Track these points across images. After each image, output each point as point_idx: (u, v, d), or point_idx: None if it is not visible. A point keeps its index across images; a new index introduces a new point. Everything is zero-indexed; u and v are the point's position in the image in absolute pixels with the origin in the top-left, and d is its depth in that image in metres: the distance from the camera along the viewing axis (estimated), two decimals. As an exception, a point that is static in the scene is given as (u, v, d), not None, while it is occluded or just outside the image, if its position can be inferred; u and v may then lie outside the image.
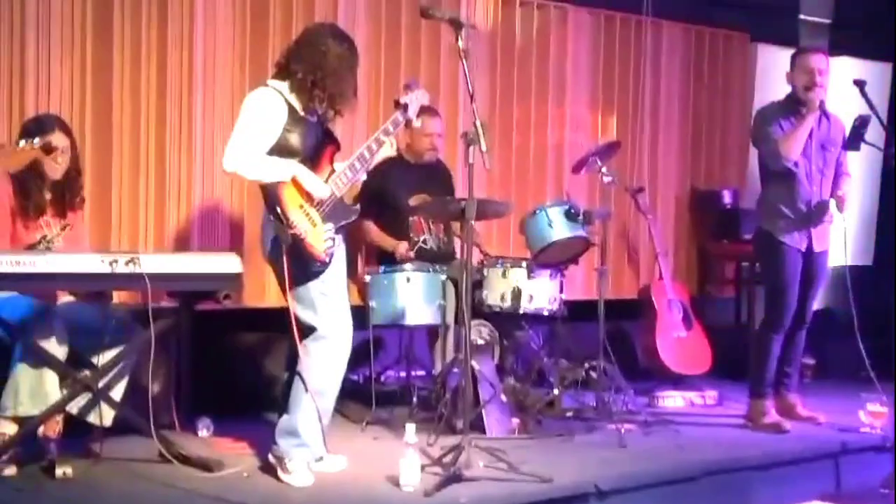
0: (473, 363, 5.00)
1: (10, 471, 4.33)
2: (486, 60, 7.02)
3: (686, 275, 7.88)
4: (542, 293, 5.62)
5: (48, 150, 4.15)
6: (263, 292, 6.01)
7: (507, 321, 5.92)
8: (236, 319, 5.89)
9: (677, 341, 6.61)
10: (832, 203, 5.60)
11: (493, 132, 6.73)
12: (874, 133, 5.60)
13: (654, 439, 5.39)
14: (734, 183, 8.09)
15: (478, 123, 4.43)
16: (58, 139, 4.60)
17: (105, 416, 4.58)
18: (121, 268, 4.20)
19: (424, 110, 4.93)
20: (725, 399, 6.44)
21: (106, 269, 4.18)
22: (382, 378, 6.23)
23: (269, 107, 4.37)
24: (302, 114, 4.42)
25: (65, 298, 4.73)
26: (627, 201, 7.27)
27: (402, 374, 6.12)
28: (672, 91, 7.90)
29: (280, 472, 4.41)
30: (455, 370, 5.22)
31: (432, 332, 5.83)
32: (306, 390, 4.40)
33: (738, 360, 6.21)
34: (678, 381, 6.59)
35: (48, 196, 4.68)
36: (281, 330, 4.70)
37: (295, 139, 4.39)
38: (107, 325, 4.61)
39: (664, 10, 7.71)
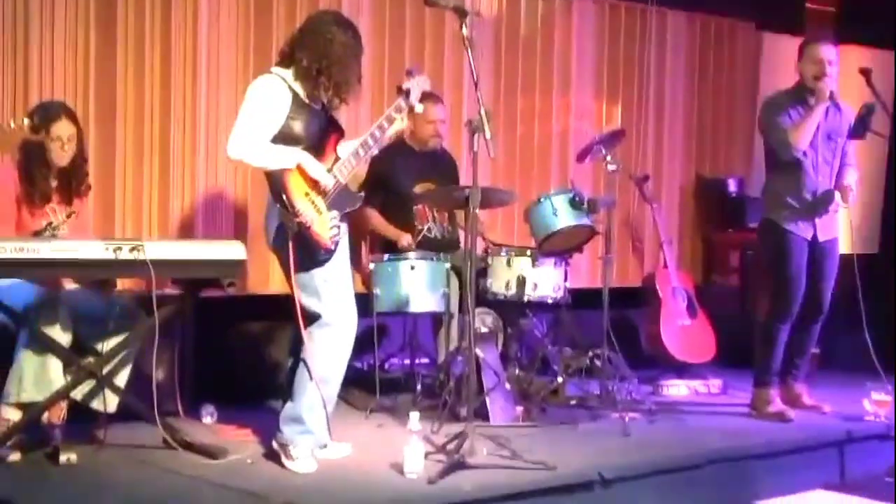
0: (477, 351, 5.01)
1: (15, 457, 4.35)
2: (491, 49, 7.02)
3: (691, 263, 7.89)
4: (546, 281, 5.62)
5: (35, 130, 4.14)
6: (267, 279, 6.02)
7: (512, 309, 5.92)
8: (240, 306, 5.90)
9: (681, 330, 6.61)
10: (837, 194, 5.58)
11: (497, 120, 6.72)
12: (879, 122, 5.59)
13: (659, 428, 5.39)
14: (739, 171, 8.08)
15: (482, 112, 4.42)
16: (64, 127, 4.60)
17: (109, 402, 4.59)
18: (125, 255, 4.21)
19: (427, 97, 4.93)
20: (730, 388, 6.45)
21: (110, 256, 4.19)
22: (386, 366, 6.23)
23: (274, 94, 4.36)
24: (306, 101, 4.42)
25: (69, 285, 4.73)
26: (632, 189, 7.27)
27: (406, 361, 6.12)
28: (677, 79, 7.89)
29: (284, 459, 4.42)
30: (459, 358, 5.22)
31: (436, 320, 5.83)
32: (310, 377, 4.40)
33: (743, 349, 6.19)
34: (682, 370, 6.59)
35: (54, 183, 4.68)
36: (285, 317, 4.70)
37: (299, 127, 4.38)
38: (111, 312, 4.63)
39: (669, -2, 7.71)
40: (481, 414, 5.09)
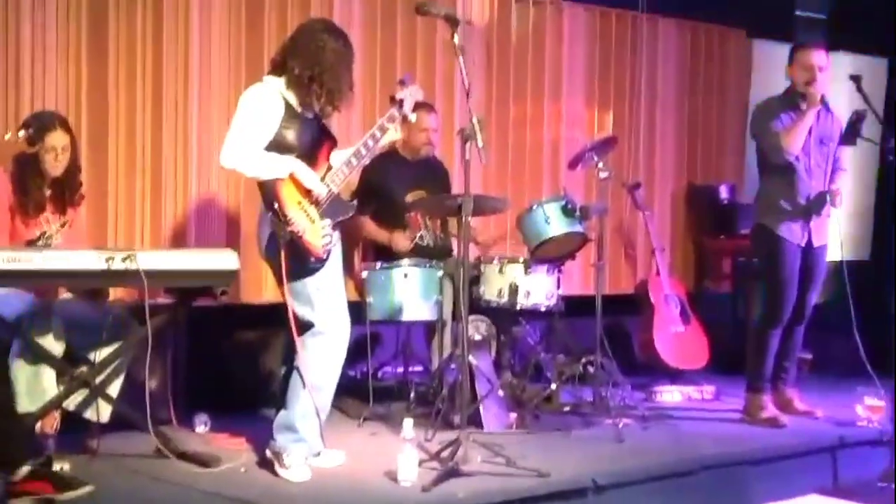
0: (471, 359, 5.01)
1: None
2: (482, 57, 7.02)
3: (683, 270, 7.89)
4: (539, 289, 5.62)
5: (32, 142, 4.14)
6: (260, 289, 6.02)
7: (505, 317, 5.92)
8: (233, 316, 5.90)
9: (674, 336, 6.62)
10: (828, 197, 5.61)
11: (489, 128, 6.74)
12: (870, 128, 5.61)
13: (652, 434, 5.40)
14: (731, 178, 8.09)
15: (474, 120, 4.43)
16: (58, 137, 4.61)
17: (102, 412, 4.59)
18: (117, 264, 4.21)
19: (420, 106, 4.93)
20: (723, 394, 6.45)
21: (102, 266, 4.19)
22: (380, 374, 6.23)
23: (266, 103, 4.37)
24: (299, 110, 4.42)
25: (62, 295, 4.73)
26: (624, 197, 7.28)
27: (400, 369, 6.13)
28: (668, 87, 7.90)
29: (277, 468, 4.41)
30: (452, 366, 5.23)
31: (429, 328, 5.84)
32: (304, 386, 4.41)
33: (736, 355, 6.21)
34: (675, 376, 6.60)
35: (48, 193, 4.68)
36: (278, 326, 4.70)
37: (292, 135, 4.39)
38: (104, 322, 4.62)
39: (660, 5, 7.71)
40: (475, 421, 5.10)
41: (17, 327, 4.44)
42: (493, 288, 5.62)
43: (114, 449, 4.62)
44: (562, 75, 7.40)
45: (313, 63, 4.37)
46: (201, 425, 5.22)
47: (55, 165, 4.63)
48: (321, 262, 4.40)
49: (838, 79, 5.85)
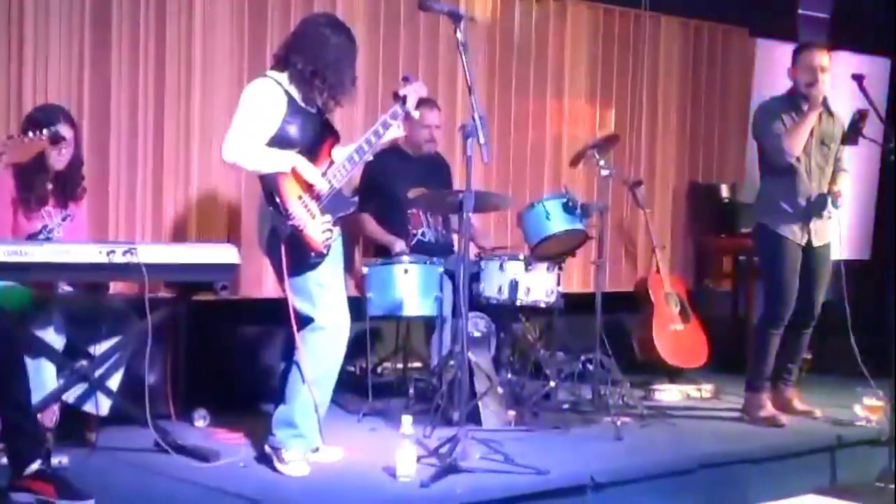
0: (470, 355, 5.01)
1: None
2: (485, 53, 7.02)
3: (683, 268, 7.89)
4: (538, 286, 5.62)
5: (56, 140, 4.13)
6: (261, 283, 6.02)
7: (504, 314, 5.91)
8: (233, 310, 5.89)
9: (674, 334, 6.62)
10: (830, 198, 5.61)
11: (491, 125, 6.73)
12: (872, 128, 5.61)
13: (651, 432, 5.40)
14: (732, 177, 8.09)
15: (476, 116, 4.42)
16: (63, 130, 4.60)
17: (102, 405, 4.59)
18: (118, 258, 4.21)
19: (422, 102, 4.92)
20: (722, 392, 6.45)
21: (103, 260, 4.19)
22: (379, 369, 6.24)
23: (269, 97, 4.37)
24: (301, 105, 4.42)
25: (63, 288, 4.73)
26: (625, 194, 7.29)
27: (399, 365, 6.14)
28: (670, 85, 7.89)
29: (276, 463, 4.42)
30: (452, 362, 5.23)
31: (429, 324, 5.84)
32: (303, 381, 4.41)
33: (735, 354, 6.22)
34: (675, 375, 6.61)
35: (50, 187, 4.67)
36: (278, 321, 4.70)
37: (294, 130, 4.39)
38: (104, 316, 4.63)
39: (663, 4, 7.70)
40: (474, 418, 5.10)
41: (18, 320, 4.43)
42: (493, 285, 5.62)
43: (113, 443, 4.62)
44: (564, 73, 7.40)
45: (316, 58, 4.37)
46: (200, 420, 5.23)
47: (59, 159, 4.62)
48: (321, 256, 4.40)
49: (841, 78, 5.85)
